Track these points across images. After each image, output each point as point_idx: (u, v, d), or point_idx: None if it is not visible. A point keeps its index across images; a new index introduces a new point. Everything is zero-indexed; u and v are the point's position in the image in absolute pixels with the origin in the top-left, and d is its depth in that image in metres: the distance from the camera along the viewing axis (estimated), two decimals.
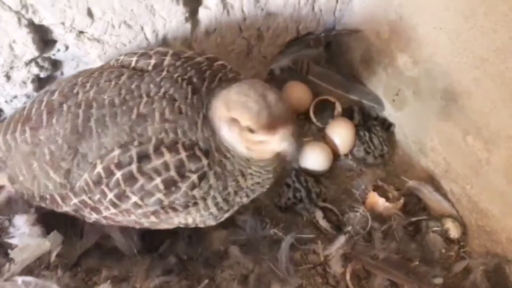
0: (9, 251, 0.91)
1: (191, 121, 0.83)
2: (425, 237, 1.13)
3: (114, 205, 0.85)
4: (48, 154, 0.86)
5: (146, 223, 0.89)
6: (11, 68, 1.07)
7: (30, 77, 1.11)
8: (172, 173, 0.81)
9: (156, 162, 0.81)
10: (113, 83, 0.86)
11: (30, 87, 1.12)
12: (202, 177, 0.83)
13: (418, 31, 1.10)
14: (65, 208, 0.90)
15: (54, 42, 1.08)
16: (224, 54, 1.26)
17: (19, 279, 0.84)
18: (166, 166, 0.81)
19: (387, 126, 1.33)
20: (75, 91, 0.88)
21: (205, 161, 0.82)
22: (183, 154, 0.81)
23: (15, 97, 1.14)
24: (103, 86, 0.86)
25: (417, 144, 1.24)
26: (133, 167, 0.81)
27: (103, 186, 0.83)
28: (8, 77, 1.09)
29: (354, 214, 1.11)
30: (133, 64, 0.91)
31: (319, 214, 1.12)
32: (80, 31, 1.07)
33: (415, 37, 1.12)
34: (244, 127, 0.79)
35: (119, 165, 0.81)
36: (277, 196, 1.18)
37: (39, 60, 1.09)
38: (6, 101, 1.15)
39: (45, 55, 1.09)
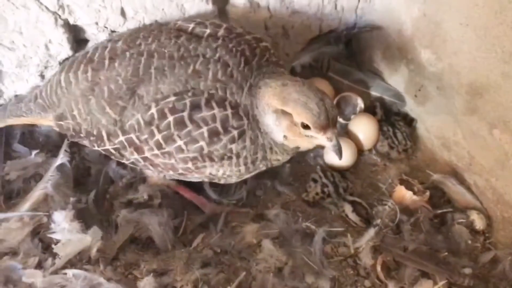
0: (53, 245, 0.94)
1: (238, 86, 0.93)
2: (450, 229, 1.15)
3: (159, 146, 0.94)
4: (107, 91, 0.95)
5: (181, 169, 0.98)
6: (46, 67, 1.10)
7: None
8: (218, 124, 0.91)
9: (206, 113, 0.91)
10: (173, 41, 0.96)
11: None
12: (241, 134, 0.93)
13: (443, 27, 1.12)
14: (107, 146, 0.99)
15: (86, 41, 1.11)
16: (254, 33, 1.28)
17: (70, 272, 0.86)
18: (213, 118, 0.91)
19: (409, 121, 1.35)
20: (137, 42, 0.98)
21: (246, 121, 0.93)
22: (229, 111, 0.92)
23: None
24: (163, 42, 0.96)
25: (440, 139, 1.26)
26: (185, 114, 0.91)
27: (153, 127, 0.92)
28: (42, 76, 1.11)
29: (382, 207, 1.13)
30: (189, 29, 0.99)
31: (348, 208, 1.14)
32: (113, 30, 1.10)
33: (439, 33, 1.14)
34: (296, 122, 0.91)
35: (173, 110, 0.91)
36: (304, 192, 1.20)
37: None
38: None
39: (78, 54, 1.11)
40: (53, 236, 0.95)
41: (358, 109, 1.35)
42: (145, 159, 0.97)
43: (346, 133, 1.33)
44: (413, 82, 1.29)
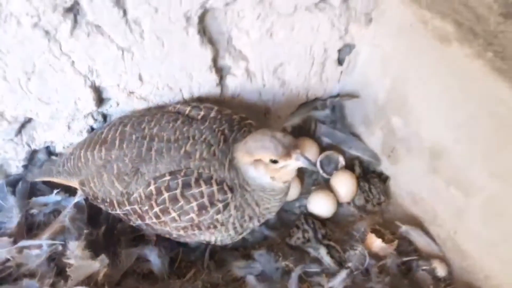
0: (67, 268, 1.09)
1: (220, 163, 1.10)
2: (415, 274, 1.29)
3: (157, 217, 1.11)
4: (116, 169, 1.14)
5: (175, 234, 1.16)
6: (73, 120, 1.30)
7: (86, 127, 1.33)
8: (205, 200, 1.08)
9: (195, 190, 1.08)
10: (171, 124, 1.16)
11: (84, 135, 1.35)
12: (226, 206, 1.10)
13: (409, 100, 1.33)
14: (118, 211, 1.17)
15: (108, 99, 1.32)
16: (246, 114, 1.49)
17: None
18: (201, 194, 1.08)
19: (384, 178, 1.52)
20: (142, 126, 1.17)
21: (229, 195, 1.09)
22: (214, 187, 1.08)
23: (71, 144, 1.36)
24: (163, 126, 1.16)
25: (409, 195, 1.43)
26: (178, 191, 1.08)
27: (152, 201, 1.10)
28: (69, 127, 1.31)
29: (354, 252, 1.29)
30: (187, 112, 1.20)
31: (323, 251, 1.29)
32: (131, 92, 1.30)
33: (406, 104, 1.34)
34: (267, 162, 1.06)
35: (167, 188, 1.08)
36: (288, 236, 1.36)
37: (94, 114, 1.32)
38: (63, 147, 1.37)
39: (100, 110, 1.32)
40: (67, 260, 1.11)
41: (339, 166, 1.54)
42: (147, 224, 1.16)
43: (328, 186, 1.51)
44: (387, 145, 1.48)
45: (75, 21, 1.12)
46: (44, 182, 1.38)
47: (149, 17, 1.16)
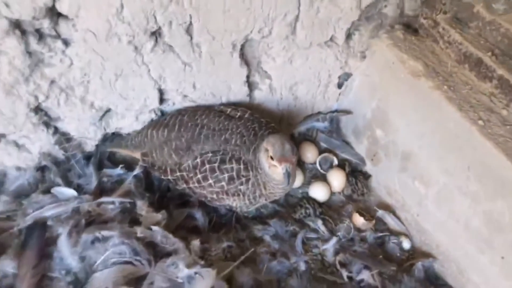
0: (139, 217, 1.51)
1: (247, 148, 1.50)
2: (387, 246, 1.74)
3: (198, 182, 1.51)
4: (174, 145, 1.54)
5: (209, 197, 1.55)
6: (140, 113, 1.73)
7: (148, 120, 1.76)
8: (234, 173, 1.48)
9: (228, 165, 1.48)
10: (216, 119, 1.57)
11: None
12: (247, 181, 1.49)
13: (389, 116, 1.80)
14: (169, 177, 1.56)
15: (167, 100, 1.75)
16: (267, 118, 1.94)
17: (155, 228, 1.43)
18: (232, 169, 1.48)
19: (367, 176, 1.98)
20: (196, 117, 1.59)
21: (251, 173, 1.49)
22: (242, 166, 1.48)
23: (135, 131, 1.79)
24: (211, 119, 1.58)
25: (386, 188, 1.88)
26: (216, 164, 1.48)
27: (196, 170, 1.50)
28: (136, 118, 1.74)
29: (343, 224, 1.74)
30: (228, 112, 1.62)
31: (319, 222, 1.73)
32: (185, 95, 1.74)
33: (387, 120, 1.81)
34: (269, 155, 1.42)
35: (209, 161, 1.49)
36: (293, 212, 1.80)
37: (156, 110, 1.75)
38: (128, 134, 1.79)
39: (160, 107, 1.76)
40: (139, 212, 1.53)
41: (333, 165, 1.99)
42: (189, 188, 1.57)
43: (324, 180, 1.96)
44: (371, 150, 1.94)
45: (156, 41, 1.56)
46: (109, 160, 1.80)
47: (208, 42, 1.62)
